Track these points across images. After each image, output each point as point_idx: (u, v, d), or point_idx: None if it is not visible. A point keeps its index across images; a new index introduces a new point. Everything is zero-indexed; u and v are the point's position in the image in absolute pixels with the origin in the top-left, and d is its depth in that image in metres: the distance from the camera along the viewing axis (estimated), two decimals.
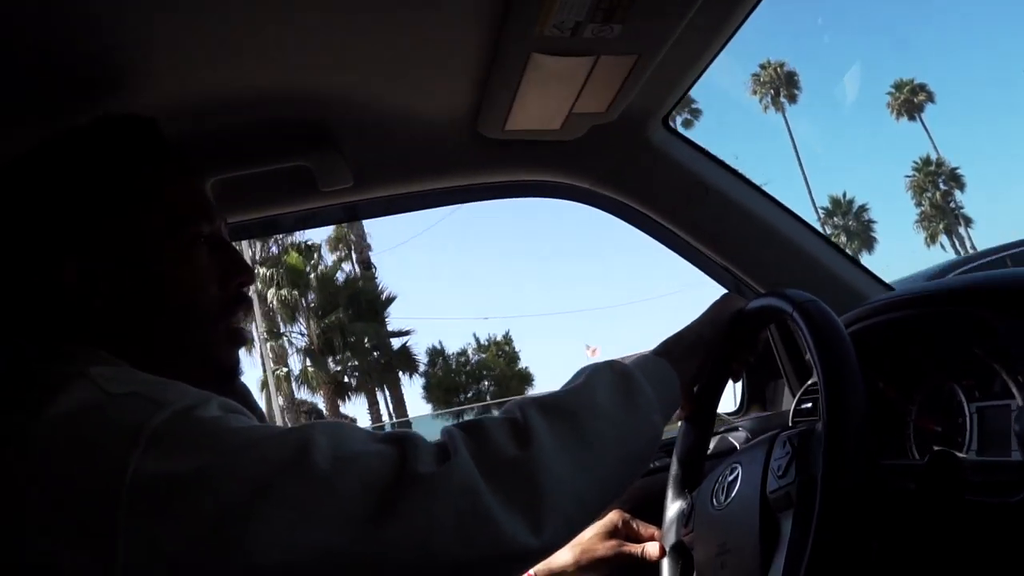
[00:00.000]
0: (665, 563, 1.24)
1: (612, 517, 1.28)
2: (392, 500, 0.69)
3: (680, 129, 1.54)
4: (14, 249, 0.89)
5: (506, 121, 1.33)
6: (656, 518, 1.27)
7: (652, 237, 1.67)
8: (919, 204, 48.26)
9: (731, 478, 1.13)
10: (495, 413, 0.85)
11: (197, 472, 0.68)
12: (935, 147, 48.83)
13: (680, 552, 1.23)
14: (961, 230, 47.76)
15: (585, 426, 0.81)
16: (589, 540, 1.26)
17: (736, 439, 1.74)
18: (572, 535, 0.81)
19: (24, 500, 0.70)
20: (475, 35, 1.12)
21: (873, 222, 48.80)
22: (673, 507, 1.25)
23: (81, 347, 0.84)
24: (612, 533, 1.27)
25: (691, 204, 1.57)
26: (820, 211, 45.71)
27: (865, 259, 43.99)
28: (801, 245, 1.59)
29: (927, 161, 47.91)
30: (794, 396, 1.64)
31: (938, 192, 47.60)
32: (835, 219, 48.19)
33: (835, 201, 48.79)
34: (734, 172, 1.59)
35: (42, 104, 1.10)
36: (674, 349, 1.00)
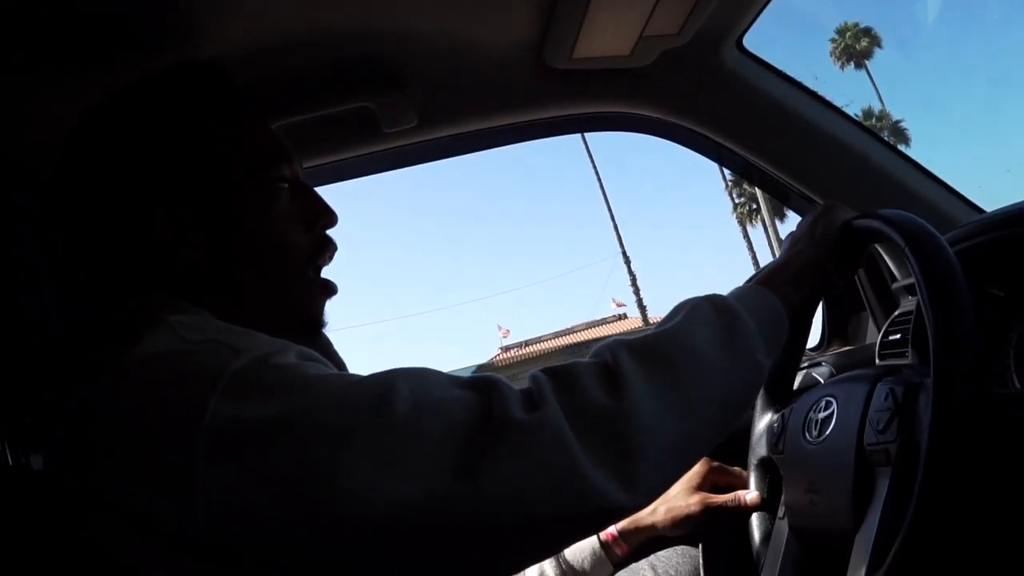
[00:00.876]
0: (752, 477, 1.22)
1: (697, 468, 1.23)
2: (478, 452, 0.66)
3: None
4: (101, 199, 0.88)
5: (573, 49, 1.28)
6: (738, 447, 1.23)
7: (727, 168, 1.62)
8: None
9: (825, 414, 1.09)
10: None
11: (275, 419, 0.66)
12: (880, 98, 45.18)
13: (767, 468, 1.20)
14: None
15: (682, 372, 0.75)
16: (674, 496, 1.20)
17: (820, 375, 1.68)
18: (666, 488, 0.77)
19: (104, 443, 0.70)
20: None
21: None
22: (762, 421, 1.22)
23: (160, 296, 0.84)
24: (697, 486, 1.21)
25: (769, 130, 1.50)
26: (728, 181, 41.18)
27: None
28: (888, 168, 1.51)
29: (868, 113, 43.34)
30: (879, 329, 1.58)
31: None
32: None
33: None
34: (814, 94, 1.51)
35: (104, 55, 1.08)
36: (780, 276, 0.91)
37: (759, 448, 1.22)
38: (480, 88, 1.42)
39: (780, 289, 0.89)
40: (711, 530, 1.23)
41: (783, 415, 1.18)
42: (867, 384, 1.01)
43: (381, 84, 1.31)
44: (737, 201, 41.15)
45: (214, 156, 0.90)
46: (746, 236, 39.64)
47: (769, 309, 0.86)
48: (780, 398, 1.24)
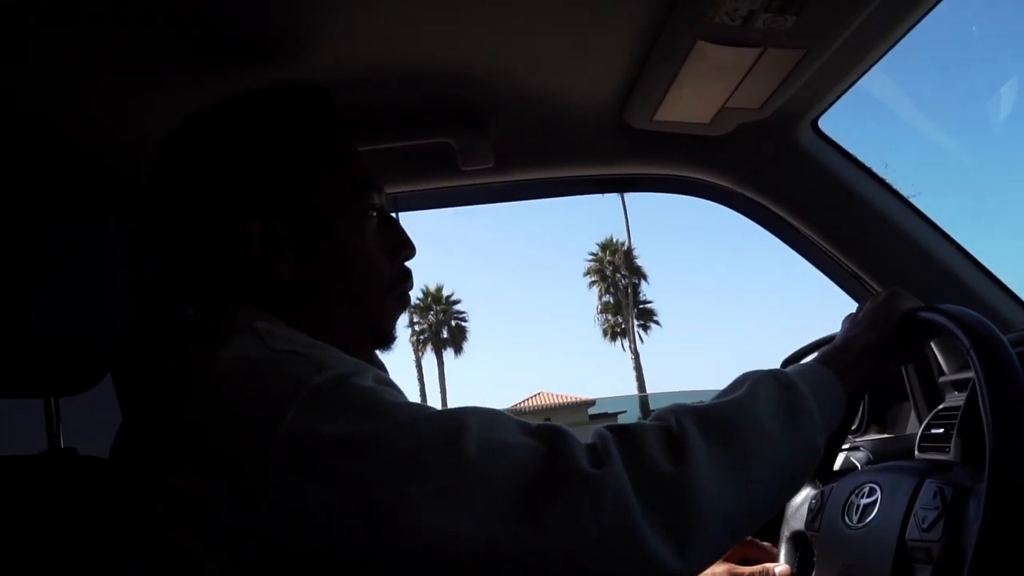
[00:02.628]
0: (783, 549, 1.21)
1: None
2: (540, 500, 0.67)
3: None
4: (198, 203, 0.90)
5: (656, 111, 1.31)
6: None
7: (785, 242, 1.62)
8: (602, 294, 41.17)
9: (868, 500, 1.09)
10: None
11: (348, 438, 0.68)
12: (628, 228, 42.86)
13: (799, 543, 1.20)
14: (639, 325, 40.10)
15: (743, 444, 0.76)
16: None
17: (857, 459, 1.67)
18: (717, 558, 0.78)
19: (184, 440, 0.72)
20: (640, 19, 1.10)
21: (464, 316, 41.53)
22: (800, 495, 1.23)
23: (243, 303, 0.86)
24: (726, 556, 1.21)
25: (834, 211, 1.51)
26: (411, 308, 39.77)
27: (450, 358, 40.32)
28: (947, 263, 1.51)
29: (608, 243, 40.95)
30: (920, 421, 1.57)
31: (618, 275, 40.55)
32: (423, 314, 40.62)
33: (427, 293, 41.26)
34: (882, 182, 1.52)
35: (204, 67, 1.12)
36: (840, 359, 0.92)
37: (794, 522, 1.22)
38: (558, 138, 1.45)
39: (840, 369, 0.89)
40: None
41: (822, 492, 1.18)
42: (915, 478, 1.01)
43: (463, 123, 1.34)
44: (416, 328, 39.93)
45: (313, 175, 0.92)
46: (418, 365, 38.97)
47: (829, 390, 0.87)
48: (820, 475, 1.24)
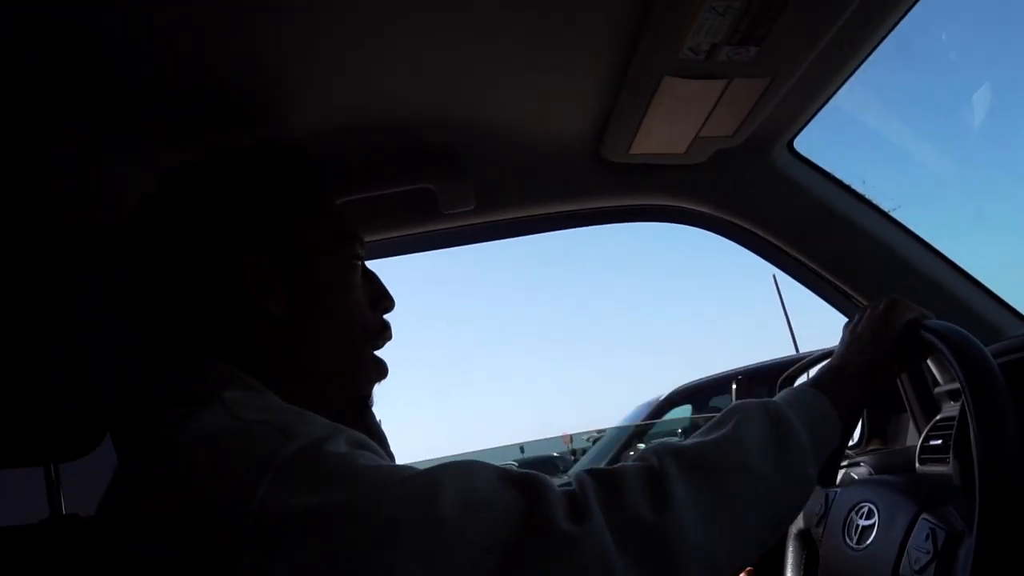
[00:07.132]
0: (791, 546, 1.22)
1: None
2: (520, 562, 0.66)
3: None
4: (187, 251, 0.89)
5: (631, 145, 1.32)
6: None
7: (771, 263, 1.63)
8: None
9: (866, 523, 1.09)
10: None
11: (320, 509, 0.66)
12: None
13: (806, 541, 1.20)
14: None
15: (731, 487, 0.74)
16: None
17: (857, 474, 1.67)
18: None
19: (154, 512, 0.70)
20: (607, 58, 1.12)
21: None
22: None
23: (217, 364, 0.85)
24: None
25: (815, 230, 1.53)
26: None
27: None
28: (933, 275, 1.52)
29: None
30: (919, 432, 1.57)
31: None
32: None
33: None
34: (861, 198, 1.54)
35: (186, 129, 1.13)
36: (837, 381, 0.90)
37: (801, 520, 1.23)
38: (537, 176, 1.46)
39: (836, 393, 0.88)
40: None
41: (827, 495, 1.19)
42: (911, 509, 1.01)
43: (443, 168, 1.35)
44: None
45: (303, 218, 0.93)
46: None
47: (822, 418, 0.86)
48: (824, 479, 1.25)
